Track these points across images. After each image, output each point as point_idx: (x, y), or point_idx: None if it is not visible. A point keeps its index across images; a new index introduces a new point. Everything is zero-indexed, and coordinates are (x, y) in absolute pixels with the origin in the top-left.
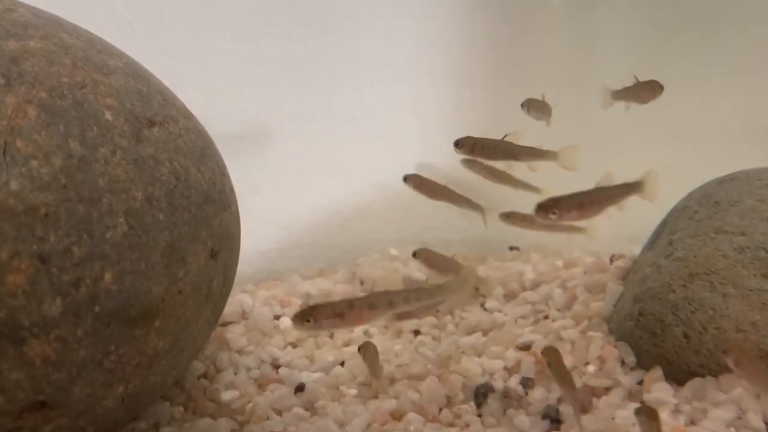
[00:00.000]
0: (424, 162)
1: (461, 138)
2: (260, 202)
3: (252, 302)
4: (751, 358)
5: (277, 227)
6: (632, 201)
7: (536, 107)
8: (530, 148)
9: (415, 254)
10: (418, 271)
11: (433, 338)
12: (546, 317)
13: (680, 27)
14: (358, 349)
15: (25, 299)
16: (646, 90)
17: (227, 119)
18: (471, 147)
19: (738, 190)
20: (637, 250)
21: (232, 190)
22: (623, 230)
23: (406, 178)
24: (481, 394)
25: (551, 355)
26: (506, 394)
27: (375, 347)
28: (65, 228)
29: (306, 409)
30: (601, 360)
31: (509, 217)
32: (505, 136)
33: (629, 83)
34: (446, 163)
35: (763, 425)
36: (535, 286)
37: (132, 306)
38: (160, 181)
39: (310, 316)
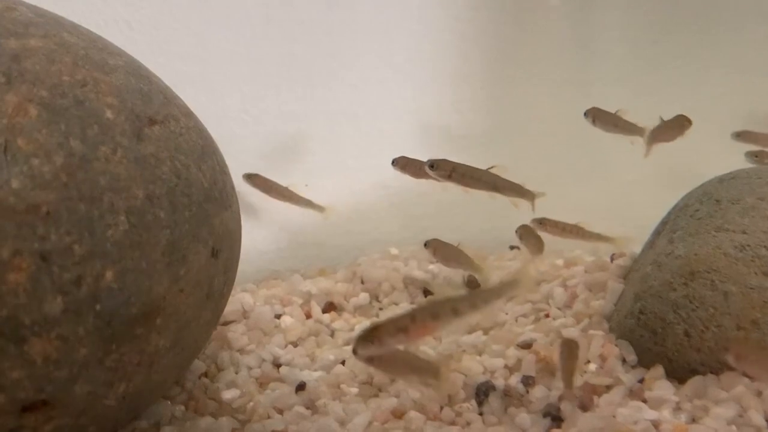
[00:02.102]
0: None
1: (437, 160)
2: (261, 201)
3: (253, 301)
4: (752, 351)
5: (277, 227)
6: (633, 201)
7: (603, 119)
8: (513, 183)
9: (426, 244)
10: (419, 270)
11: (434, 337)
12: (547, 316)
13: (679, 27)
14: None
15: (26, 297)
16: (674, 128)
17: (227, 119)
18: (449, 171)
19: (739, 189)
20: (637, 249)
21: (233, 188)
22: (624, 229)
23: (394, 162)
24: (482, 393)
25: (567, 346)
26: (507, 393)
27: None
28: (66, 226)
29: (307, 408)
30: (602, 358)
31: (542, 223)
32: (490, 168)
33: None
34: None
35: (764, 423)
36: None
37: (133, 304)
38: (161, 179)
39: (373, 337)
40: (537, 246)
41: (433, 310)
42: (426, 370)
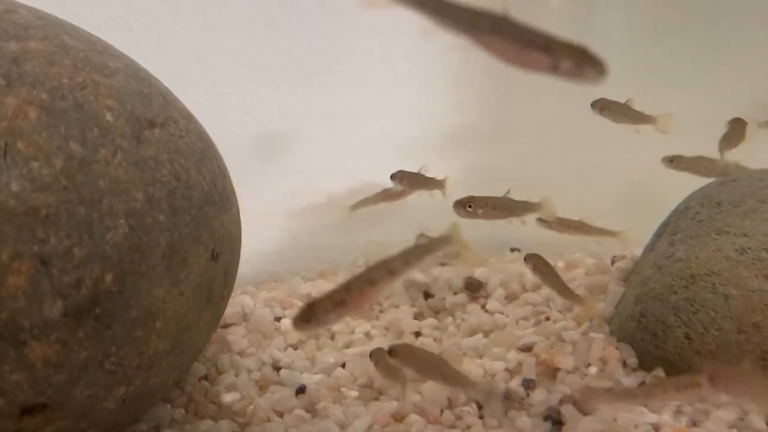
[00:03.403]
0: (425, 163)
1: (468, 199)
2: (261, 203)
3: (253, 304)
4: (724, 370)
5: (277, 229)
6: (634, 202)
7: (612, 109)
8: (522, 202)
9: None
10: (419, 273)
11: (434, 340)
12: (547, 318)
13: (680, 27)
14: (370, 356)
15: (25, 301)
16: (738, 133)
17: (227, 120)
18: (482, 205)
19: (739, 191)
20: (638, 252)
21: (232, 191)
22: (624, 234)
23: (393, 176)
24: None
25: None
26: (507, 396)
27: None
28: (66, 229)
29: (307, 411)
30: (603, 361)
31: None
32: (506, 193)
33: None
34: (446, 164)
35: (765, 426)
36: (536, 287)
37: (133, 307)
38: (160, 182)
39: (310, 316)
40: (551, 276)
41: (368, 276)
42: (465, 385)
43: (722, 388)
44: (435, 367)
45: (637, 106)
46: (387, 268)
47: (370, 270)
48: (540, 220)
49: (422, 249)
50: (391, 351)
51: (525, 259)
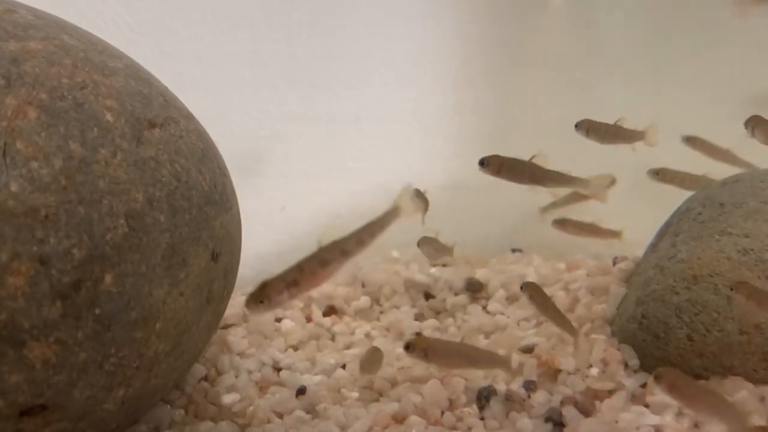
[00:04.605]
0: (426, 164)
1: (487, 157)
2: (261, 204)
3: None
4: (684, 380)
5: (278, 229)
6: (636, 203)
7: (598, 130)
8: (558, 173)
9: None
10: (420, 274)
11: None
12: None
13: (681, 28)
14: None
15: (24, 301)
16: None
17: (228, 121)
18: (498, 167)
19: (742, 192)
20: (640, 253)
21: (233, 191)
22: (626, 232)
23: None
24: (483, 397)
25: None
26: (509, 397)
27: (381, 353)
28: (65, 230)
29: (307, 412)
30: (604, 363)
31: (561, 223)
32: (532, 158)
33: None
34: (447, 165)
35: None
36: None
37: (132, 308)
38: (160, 182)
39: (262, 296)
40: (548, 306)
41: (321, 257)
42: (492, 362)
43: (678, 398)
44: (459, 353)
45: (638, 106)
46: (340, 249)
47: (323, 250)
48: (555, 222)
49: (374, 226)
50: (408, 346)
51: (521, 287)
